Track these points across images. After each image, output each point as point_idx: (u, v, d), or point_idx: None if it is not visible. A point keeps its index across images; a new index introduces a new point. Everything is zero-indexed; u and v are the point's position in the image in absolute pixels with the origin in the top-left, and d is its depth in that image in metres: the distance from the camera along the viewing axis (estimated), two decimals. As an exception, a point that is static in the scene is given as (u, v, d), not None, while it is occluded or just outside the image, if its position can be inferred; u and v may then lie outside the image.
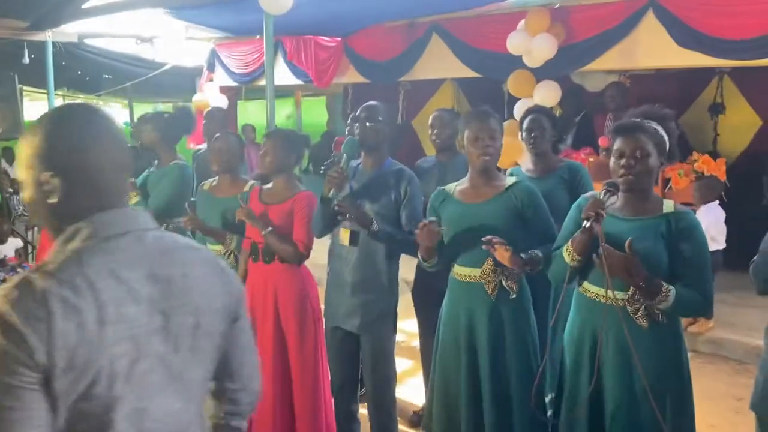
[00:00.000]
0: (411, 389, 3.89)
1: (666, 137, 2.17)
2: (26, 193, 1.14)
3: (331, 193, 2.67)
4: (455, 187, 2.62)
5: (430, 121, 3.48)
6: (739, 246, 4.81)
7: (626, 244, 1.99)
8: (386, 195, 2.79)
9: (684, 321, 4.82)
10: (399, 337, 3.02)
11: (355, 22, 6.34)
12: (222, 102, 7.70)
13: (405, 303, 3.01)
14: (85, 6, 5.64)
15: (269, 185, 3.06)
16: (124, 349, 1.05)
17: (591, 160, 5.59)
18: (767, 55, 4.33)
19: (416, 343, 3.79)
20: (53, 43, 6.80)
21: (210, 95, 7.87)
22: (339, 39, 6.82)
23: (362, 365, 2.96)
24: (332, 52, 6.86)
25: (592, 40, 5.10)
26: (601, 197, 2.11)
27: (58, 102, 12.09)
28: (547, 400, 3.01)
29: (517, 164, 5.33)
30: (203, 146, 4.63)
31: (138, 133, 3.62)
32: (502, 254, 2.31)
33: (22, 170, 1.14)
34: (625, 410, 2.13)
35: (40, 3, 5.70)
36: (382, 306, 2.85)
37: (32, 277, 1.02)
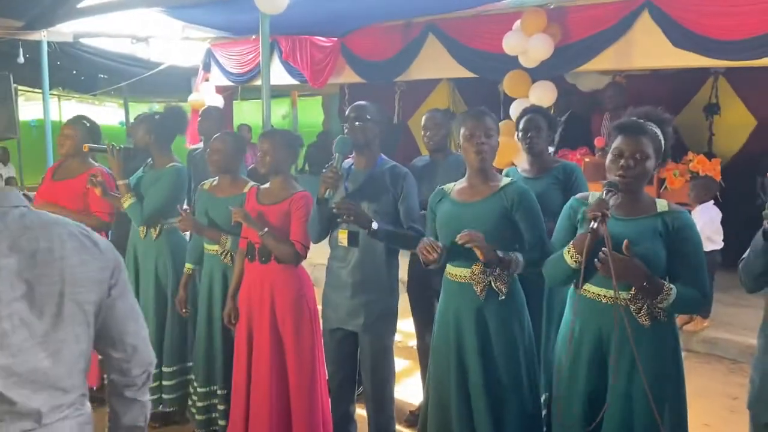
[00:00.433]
0: (407, 389, 3.90)
1: (662, 141, 2.18)
2: None
3: (327, 193, 2.67)
4: (453, 187, 2.62)
5: (423, 122, 3.49)
6: (734, 246, 4.82)
7: (623, 246, 2.00)
8: (383, 193, 2.79)
9: (679, 320, 4.83)
10: (395, 336, 3.02)
11: (351, 22, 6.34)
12: (218, 102, 7.70)
13: (401, 303, 3.01)
14: (80, 5, 5.62)
15: (266, 185, 3.06)
16: None
17: (587, 160, 5.60)
18: (762, 55, 4.35)
19: (413, 342, 3.80)
20: (48, 42, 6.78)
21: (206, 95, 7.86)
22: (335, 39, 6.82)
23: (360, 365, 2.96)
24: (328, 52, 6.87)
25: (588, 40, 5.12)
26: (604, 197, 2.10)
27: (53, 102, 12.07)
28: (541, 399, 3.02)
29: (513, 164, 5.35)
30: (199, 146, 4.62)
31: (133, 134, 3.61)
32: (476, 245, 2.30)
33: None
34: (626, 409, 2.13)
35: (35, 2, 5.67)
36: (384, 305, 2.85)
37: None
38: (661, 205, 2.17)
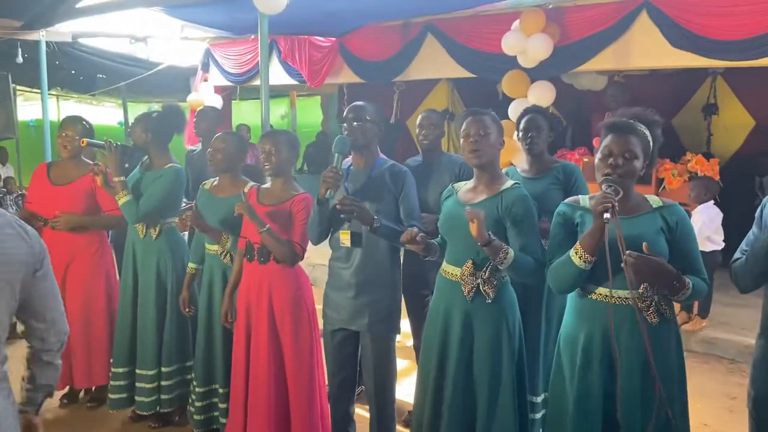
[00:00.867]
0: (406, 389, 3.90)
1: (651, 142, 2.18)
2: None
3: (328, 193, 2.67)
4: (463, 186, 2.62)
5: (418, 121, 3.50)
6: (732, 246, 4.83)
7: (644, 247, 2.00)
8: (384, 192, 2.79)
9: (678, 319, 4.85)
10: (394, 336, 3.02)
11: (350, 22, 6.34)
12: (217, 102, 7.70)
13: (400, 302, 3.02)
14: (78, 5, 5.62)
15: (266, 186, 3.06)
16: None
17: (585, 160, 5.61)
18: (761, 55, 4.36)
19: (410, 342, 3.80)
20: (47, 42, 6.77)
21: (205, 95, 7.86)
22: (334, 39, 6.83)
23: (362, 365, 2.96)
24: (326, 52, 6.87)
25: (587, 40, 5.12)
26: (607, 191, 2.08)
27: (52, 102, 12.06)
28: (539, 399, 3.02)
29: (512, 164, 5.36)
30: (198, 146, 4.61)
31: (132, 134, 3.60)
32: (473, 222, 2.25)
33: None
34: (641, 408, 2.12)
35: (33, 2, 5.67)
36: (388, 305, 2.85)
37: None
38: (654, 201, 2.19)
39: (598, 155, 2.18)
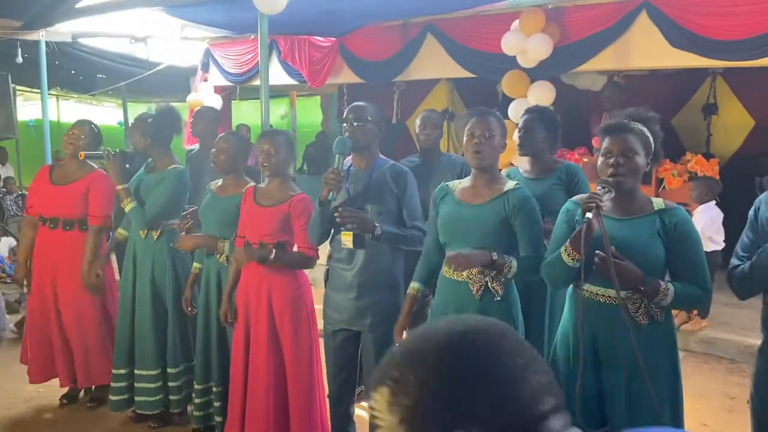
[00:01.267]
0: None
1: (651, 138, 2.19)
2: None
3: (330, 195, 2.67)
4: (458, 185, 2.62)
5: (419, 122, 3.49)
6: (733, 245, 4.83)
7: (611, 251, 2.02)
8: (386, 193, 2.79)
9: (677, 319, 4.86)
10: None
11: (350, 22, 6.34)
12: (216, 102, 7.69)
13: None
14: (78, 5, 5.62)
15: (263, 185, 3.05)
16: None
17: (585, 160, 5.61)
18: (760, 55, 4.36)
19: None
20: (47, 42, 6.77)
21: (204, 95, 7.86)
22: (333, 39, 6.82)
23: (363, 365, 2.96)
24: (326, 52, 6.87)
25: (587, 40, 5.12)
26: (597, 191, 2.11)
27: (52, 102, 12.07)
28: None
29: (512, 164, 5.36)
30: (196, 146, 4.61)
31: (132, 140, 3.61)
32: (463, 268, 2.39)
33: None
34: (625, 408, 2.13)
35: (33, 2, 5.67)
36: (390, 305, 2.84)
37: None
38: (657, 203, 2.18)
39: (599, 158, 2.20)
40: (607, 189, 2.12)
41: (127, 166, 3.50)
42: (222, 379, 3.16)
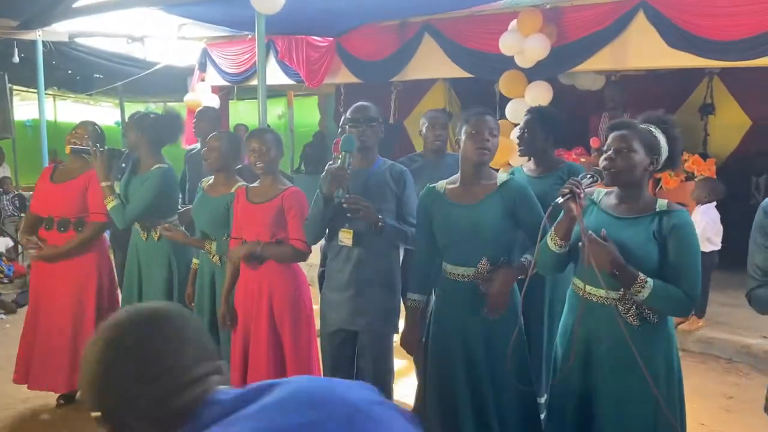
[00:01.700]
0: (403, 389, 3.90)
1: (663, 140, 2.18)
2: None
3: (337, 193, 2.66)
4: (445, 186, 2.62)
5: (427, 122, 3.42)
6: (729, 246, 4.84)
7: (601, 234, 2.06)
8: (386, 191, 2.80)
9: (675, 319, 4.86)
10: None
11: (347, 21, 6.34)
12: (214, 102, 7.69)
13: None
14: (75, 5, 5.61)
15: (255, 184, 3.06)
16: None
17: (583, 160, 5.62)
18: (757, 55, 4.37)
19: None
20: (43, 42, 6.75)
21: (202, 95, 7.85)
22: (331, 39, 6.82)
23: (360, 364, 2.96)
24: (324, 52, 6.87)
25: (584, 40, 5.13)
26: (581, 180, 2.14)
27: (49, 101, 12.04)
28: (542, 400, 3.02)
29: (509, 164, 5.36)
30: (196, 146, 4.60)
31: (126, 134, 3.57)
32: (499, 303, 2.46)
33: None
34: (619, 410, 2.13)
35: (30, 2, 5.66)
36: (387, 304, 2.86)
37: None
38: (661, 204, 2.16)
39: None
40: (594, 178, 2.15)
41: (123, 165, 3.49)
42: None
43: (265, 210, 2.92)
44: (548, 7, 5.23)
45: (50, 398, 3.80)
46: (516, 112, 5.34)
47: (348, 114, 2.87)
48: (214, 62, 7.86)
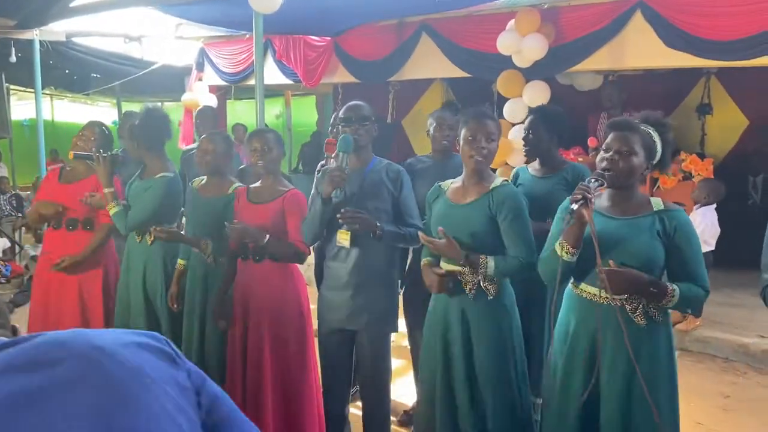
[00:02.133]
0: (402, 388, 3.90)
1: (659, 143, 2.19)
2: None
3: (335, 193, 2.65)
4: (450, 185, 2.63)
5: (435, 123, 3.37)
6: (726, 245, 4.85)
7: (610, 263, 2.03)
8: (383, 192, 2.80)
9: (672, 319, 4.86)
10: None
11: (345, 21, 6.34)
12: (211, 101, 7.69)
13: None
14: (72, 5, 5.60)
15: (256, 185, 3.05)
16: None
17: (580, 159, 5.62)
18: (754, 55, 4.38)
19: (406, 342, 3.80)
20: (41, 41, 6.75)
21: (199, 94, 7.84)
22: (329, 38, 6.82)
23: (357, 364, 2.96)
24: (321, 51, 6.86)
25: (582, 40, 5.13)
26: (588, 184, 2.10)
27: (46, 101, 12.02)
28: (540, 401, 3.02)
29: (506, 164, 5.37)
30: (194, 146, 4.60)
31: (121, 139, 3.53)
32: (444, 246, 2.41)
33: None
34: (622, 410, 2.13)
35: (27, 1, 5.65)
36: (385, 304, 2.85)
37: None
38: (656, 203, 2.17)
39: (600, 152, 2.20)
40: (600, 182, 2.12)
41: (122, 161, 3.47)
42: (218, 380, 3.15)
43: (267, 210, 2.91)
44: (546, 6, 5.24)
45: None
46: (514, 112, 5.35)
47: (341, 113, 2.86)
48: (212, 62, 7.86)
